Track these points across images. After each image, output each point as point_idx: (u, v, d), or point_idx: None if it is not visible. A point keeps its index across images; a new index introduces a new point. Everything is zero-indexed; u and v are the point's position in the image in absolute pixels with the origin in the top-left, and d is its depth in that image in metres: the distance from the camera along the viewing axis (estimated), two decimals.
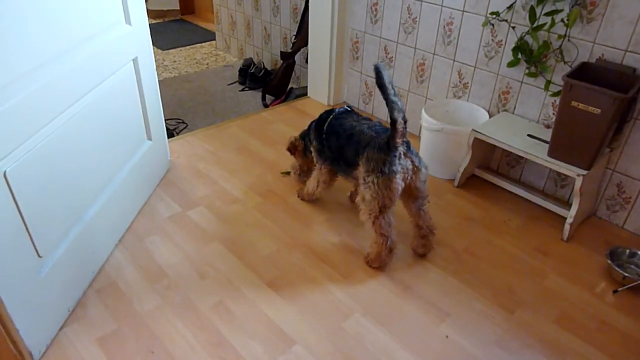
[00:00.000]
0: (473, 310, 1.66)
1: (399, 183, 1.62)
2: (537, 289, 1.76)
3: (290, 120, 2.87)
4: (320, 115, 1.97)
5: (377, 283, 1.75)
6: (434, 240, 1.85)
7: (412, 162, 1.65)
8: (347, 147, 1.78)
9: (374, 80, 2.90)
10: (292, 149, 2.16)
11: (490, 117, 2.29)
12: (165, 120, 2.33)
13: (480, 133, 2.10)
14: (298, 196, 2.17)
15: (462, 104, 2.40)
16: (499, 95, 2.27)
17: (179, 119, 3.10)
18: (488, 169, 2.37)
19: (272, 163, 2.44)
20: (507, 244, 1.97)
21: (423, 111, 2.30)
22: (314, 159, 2.02)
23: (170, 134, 2.73)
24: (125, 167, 1.93)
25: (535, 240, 1.99)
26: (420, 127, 2.32)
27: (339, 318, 1.61)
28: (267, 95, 3.37)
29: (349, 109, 1.94)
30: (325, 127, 1.90)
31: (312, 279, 1.76)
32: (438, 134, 2.23)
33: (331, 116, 1.90)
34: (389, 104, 1.54)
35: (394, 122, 1.55)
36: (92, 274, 1.72)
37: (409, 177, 1.65)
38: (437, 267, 1.83)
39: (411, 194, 1.72)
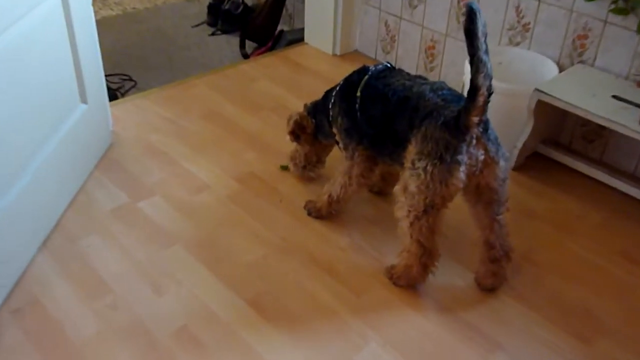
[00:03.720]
0: (535, 339, 1.68)
1: (461, 179, 1.55)
2: (625, 311, 1.77)
3: (281, 77, 2.87)
4: (347, 78, 1.89)
5: (401, 302, 1.77)
6: (509, 267, 1.79)
7: (487, 151, 1.58)
8: (399, 115, 1.68)
9: (397, 19, 2.93)
10: (297, 130, 2.04)
11: (560, 71, 2.28)
12: (106, 76, 2.32)
13: (546, 94, 2.10)
14: (309, 214, 2.06)
15: (522, 52, 2.40)
16: (573, 41, 2.26)
17: (124, 75, 3.10)
18: (557, 144, 2.37)
19: (254, 136, 2.45)
20: (582, 248, 1.98)
21: (467, 63, 2.29)
22: (341, 145, 1.93)
23: (113, 96, 2.73)
24: (51, 141, 1.93)
25: (622, 243, 2.00)
26: (463, 85, 2.32)
27: (349, 349, 1.63)
28: (247, 42, 3.37)
29: (389, 65, 1.87)
30: (359, 92, 1.81)
31: (312, 296, 1.77)
32: None
33: (367, 76, 1.82)
34: (475, 62, 1.46)
35: (474, 89, 1.48)
36: (6, 290, 1.73)
37: (478, 172, 1.59)
38: None
39: (482, 195, 1.66)
